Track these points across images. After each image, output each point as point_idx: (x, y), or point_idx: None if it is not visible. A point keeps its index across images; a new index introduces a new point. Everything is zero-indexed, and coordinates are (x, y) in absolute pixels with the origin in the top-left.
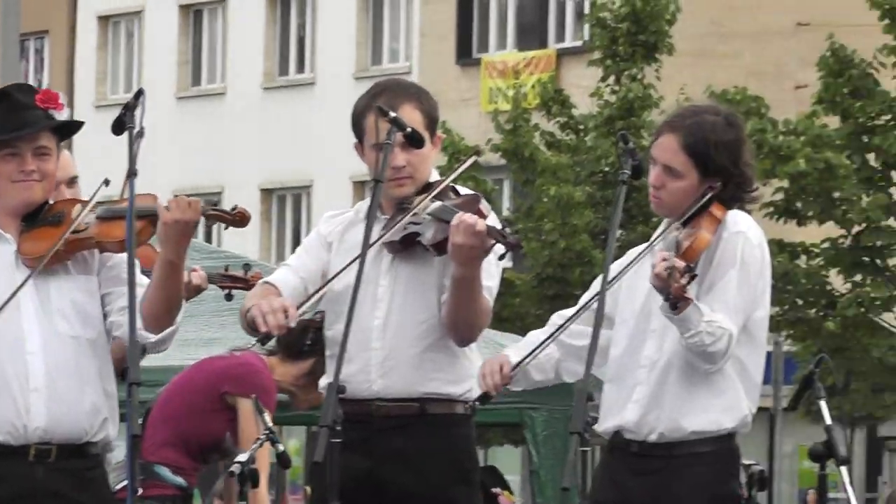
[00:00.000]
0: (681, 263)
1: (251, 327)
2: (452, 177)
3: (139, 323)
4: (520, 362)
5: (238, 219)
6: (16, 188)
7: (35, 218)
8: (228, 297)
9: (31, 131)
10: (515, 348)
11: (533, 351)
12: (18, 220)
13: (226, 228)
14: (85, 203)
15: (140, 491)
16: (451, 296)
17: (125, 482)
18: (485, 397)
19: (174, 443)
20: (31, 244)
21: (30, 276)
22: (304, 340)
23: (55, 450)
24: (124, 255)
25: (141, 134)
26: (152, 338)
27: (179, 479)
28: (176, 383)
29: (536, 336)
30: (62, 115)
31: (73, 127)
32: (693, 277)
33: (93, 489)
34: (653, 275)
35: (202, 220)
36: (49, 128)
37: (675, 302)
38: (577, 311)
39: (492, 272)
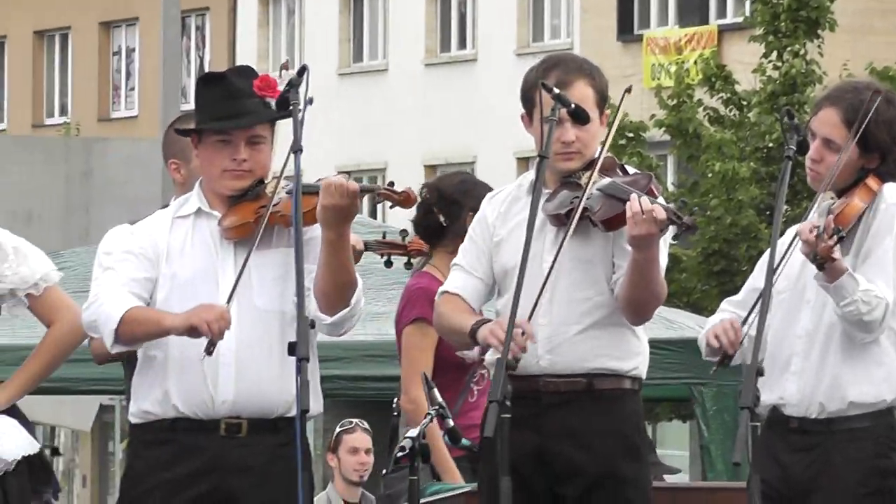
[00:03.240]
0: (828, 223)
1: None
2: (617, 122)
3: (314, 305)
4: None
5: (404, 199)
6: (225, 177)
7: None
8: (388, 264)
9: (246, 123)
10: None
11: (746, 317)
12: (226, 198)
13: (391, 207)
14: (279, 178)
15: None
16: (627, 277)
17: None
18: (725, 358)
19: None
20: (231, 218)
21: (250, 253)
22: None
23: (245, 424)
24: (318, 231)
25: (310, 101)
26: (328, 320)
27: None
28: None
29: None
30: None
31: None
32: (840, 240)
33: (286, 464)
34: (801, 240)
35: (375, 196)
36: (267, 120)
37: (822, 263)
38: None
39: (661, 249)
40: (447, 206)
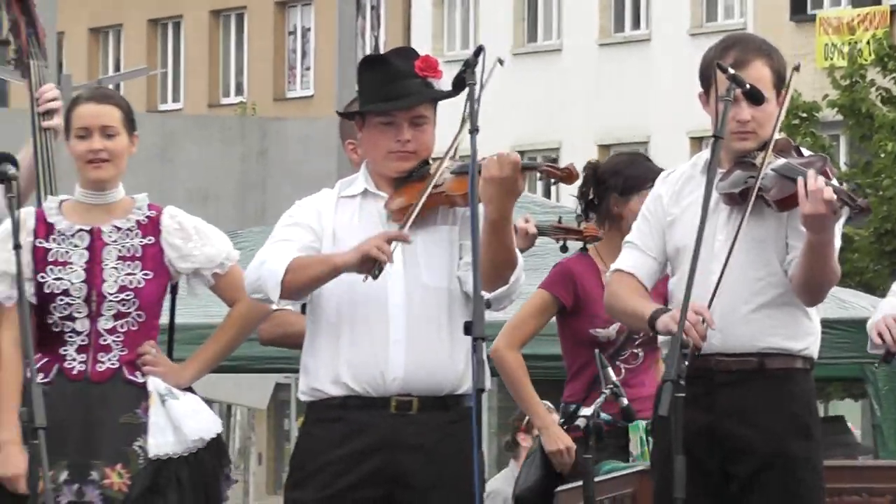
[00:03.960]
0: None
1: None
2: (787, 101)
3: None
4: None
5: (566, 175)
6: (390, 159)
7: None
8: (563, 249)
9: (407, 104)
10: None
11: None
12: (392, 180)
13: (554, 184)
14: (443, 159)
15: None
16: (802, 259)
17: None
18: (889, 355)
19: None
20: (398, 200)
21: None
22: None
23: (416, 402)
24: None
25: (501, 62)
26: (488, 296)
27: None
28: None
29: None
30: (439, 83)
31: (456, 91)
32: None
33: (456, 442)
34: None
35: (539, 177)
36: (429, 100)
37: None
38: None
39: (835, 231)
40: (596, 185)
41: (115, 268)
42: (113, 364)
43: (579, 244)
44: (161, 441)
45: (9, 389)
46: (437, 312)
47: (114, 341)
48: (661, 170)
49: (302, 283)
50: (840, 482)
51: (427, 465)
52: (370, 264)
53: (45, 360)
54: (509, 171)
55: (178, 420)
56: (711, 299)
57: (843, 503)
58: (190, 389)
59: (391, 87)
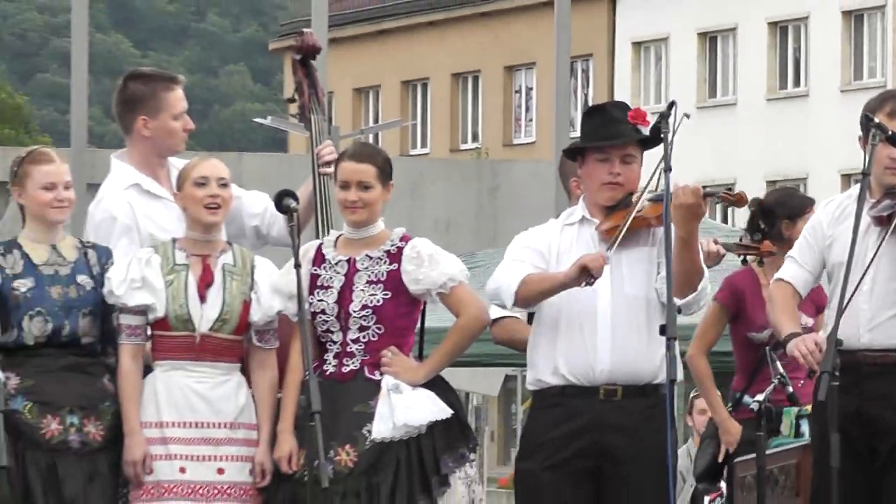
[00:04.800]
0: None
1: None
2: None
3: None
4: None
5: (738, 199)
6: (603, 189)
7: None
8: (744, 262)
9: (621, 142)
10: None
11: None
12: (603, 208)
13: (729, 207)
14: (643, 191)
15: None
16: None
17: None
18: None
19: None
20: (606, 224)
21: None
22: None
23: (620, 390)
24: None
25: (687, 116)
26: (679, 302)
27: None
28: None
29: None
30: (646, 130)
31: (654, 140)
32: None
33: (653, 424)
34: None
35: (715, 201)
36: (635, 140)
37: None
38: None
39: None
40: (764, 216)
41: (363, 290)
42: (355, 366)
43: (756, 259)
44: (382, 428)
45: (293, 390)
46: (637, 316)
47: (357, 349)
48: (813, 199)
49: (532, 295)
50: None
51: (629, 443)
52: (586, 275)
53: (315, 363)
54: (693, 197)
55: (398, 411)
56: (847, 302)
57: None
58: (435, 381)
59: (607, 130)
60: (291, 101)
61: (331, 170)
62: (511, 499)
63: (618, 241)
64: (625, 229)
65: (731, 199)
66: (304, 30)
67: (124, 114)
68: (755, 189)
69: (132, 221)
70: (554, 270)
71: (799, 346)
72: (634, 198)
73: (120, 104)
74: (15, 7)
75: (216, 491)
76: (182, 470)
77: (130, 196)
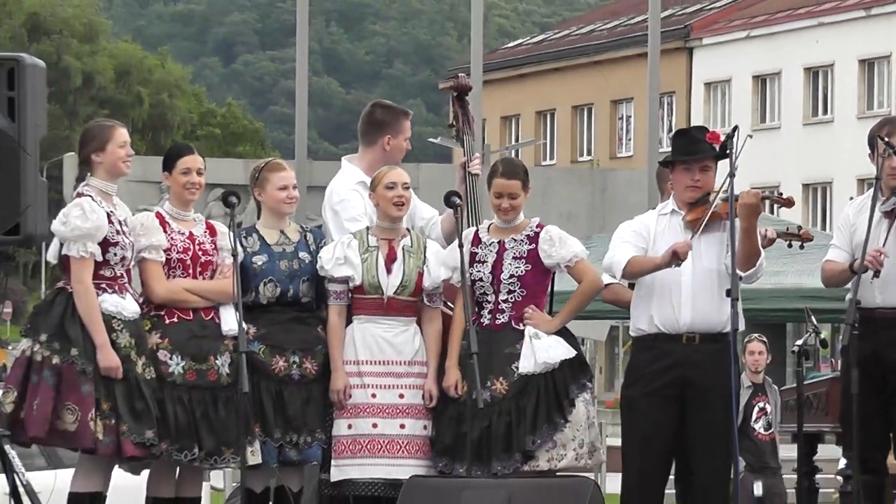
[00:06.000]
0: None
1: None
2: None
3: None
4: None
5: (787, 201)
6: (687, 191)
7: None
8: (789, 245)
9: (700, 157)
10: None
11: None
12: (687, 204)
13: (780, 207)
14: (717, 192)
15: None
16: None
17: None
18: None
19: None
20: (690, 215)
21: (693, 237)
22: None
23: (698, 337)
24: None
25: (751, 136)
26: (742, 274)
27: None
28: None
29: None
30: (718, 147)
31: (724, 153)
32: None
33: (722, 363)
34: None
35: (771, 203)
36: (712, 155)
37: None
38: None
39: None
40: None
41: (510, 264)
42: (504, 320)
43: (798, 243)
44: (526, 364)
45: (457, 336)
46: (711, 283)
47: (506, 307)
48: None
49: (635, 272)
50: None
51: (705, 376)
52: (676, 259)
53: (473, 318)
54: (755, 199)
55: (538, 352)
56: (877, 272)
57: None
58: (562, 332)
59: (691, 147)
60: (451, 126)
61: (478, 171)
62: (615, 416)
63: (700, 229)
64: (705, 220)
65: (783, 201)
66: (460, 74)
67: (372, 131)
68: (794, 190)
69: (363, 209)
70: (651, 247)
71: (867, 256)
72: (711, 197)
73: (368, 124)
74: (254, 58)
75: (398, 410)
76: (373, 395)
77: (360, 189)
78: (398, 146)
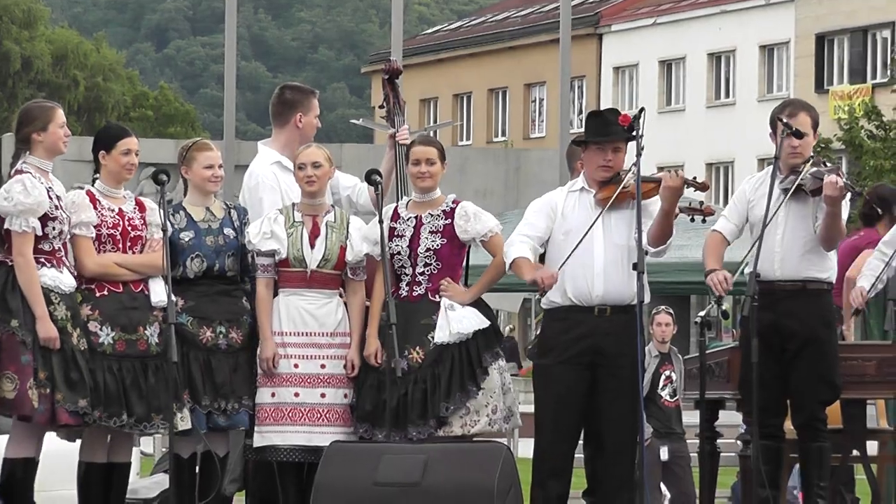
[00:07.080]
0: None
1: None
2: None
3: (645, 239)
4: None
5: (702, 186)
6: (598, 171)
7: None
8: (692, 220)
9: (611, 139)
10: None
11: None
12: (598, 182)
13: (695, 191)
14: (627, 171)
15: None
16: (823, 223)
17: None
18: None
19: None
20: (600, 193)
21: (600, 215)
22: None
23: (609, 309)
24: (655, 203)
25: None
26: (653, 249)
27: None
28: None
29: None
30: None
31: (634, 136)
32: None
33: (631, 332)
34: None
35: (687, 186)
36: (623, 138)
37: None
38: None
39: (842, 206)
40: (880, 202)
41: (426, 238)
42: (421, 292)
43: (701, 217)
44: (441, 335)
45: (377, 307)
46: (621, 258)
47: (422, 279)
48: None
49: (516, 273)
50: (848, 352)
51: (615, 345)
52: (535, 286)
53: (392, 290)
54: (679, 182)
55: (453, 323)
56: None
57: (847, 366)
58: (477, 303)
59: (604, 129)
60: (382, 107)
61: (407, 140)
62: (528, 384)
63: (607, 206)
64: (612, 199)
65: (699, 185)
66: (392, 58)
67: (284, 111)
68: (697, 170)
69: (276, 184)
70: (559, 222)
71: (712, 277)
72: (622, 175)
73: (279, 104)
74: (186, 43)
75: (319, 380)
76: (296, 366)
77: (274, 169)
78: (310, 123)
